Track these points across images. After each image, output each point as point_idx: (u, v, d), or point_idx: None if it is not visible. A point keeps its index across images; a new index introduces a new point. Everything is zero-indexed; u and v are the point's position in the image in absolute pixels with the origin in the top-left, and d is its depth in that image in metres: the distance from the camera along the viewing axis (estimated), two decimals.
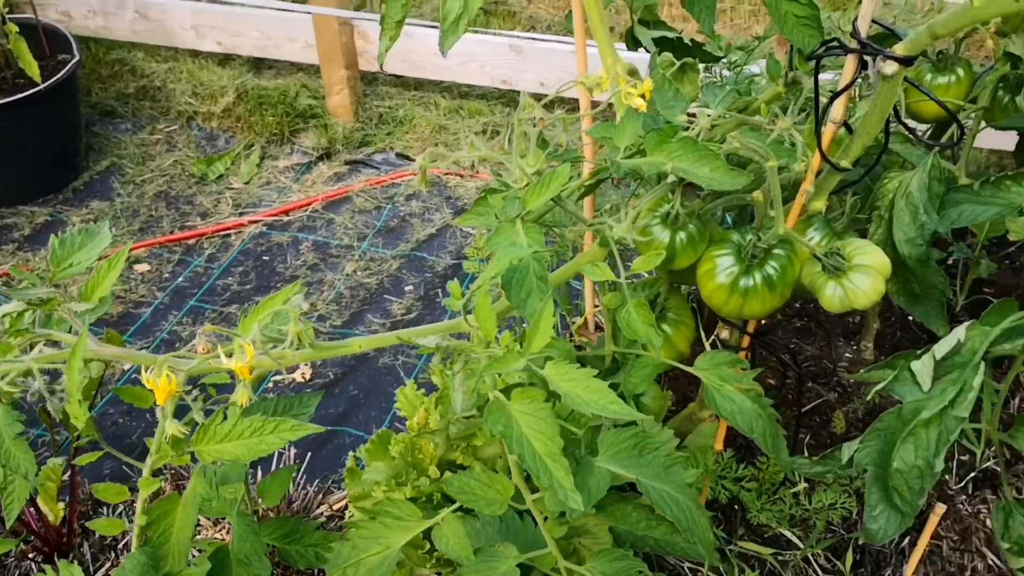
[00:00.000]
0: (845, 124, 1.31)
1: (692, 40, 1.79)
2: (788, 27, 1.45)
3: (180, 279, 2.96)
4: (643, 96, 1.41)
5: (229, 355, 1.00)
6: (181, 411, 1.16)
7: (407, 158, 3.33)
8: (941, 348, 1.06)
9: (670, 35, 1.80)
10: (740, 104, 1.54)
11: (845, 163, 1.31)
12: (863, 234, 1.49)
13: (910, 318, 2.09)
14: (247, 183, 3.28)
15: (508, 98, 3.40)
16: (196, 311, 2.86)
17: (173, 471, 1.83)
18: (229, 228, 3.13)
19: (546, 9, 3.79)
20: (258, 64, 3.60)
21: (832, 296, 1.29)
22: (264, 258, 3.03)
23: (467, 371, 1.08)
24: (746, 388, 1.35)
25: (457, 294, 1.16)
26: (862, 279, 1.27)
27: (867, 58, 1.20)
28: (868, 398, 1.28)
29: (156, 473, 1.10)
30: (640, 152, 1.35)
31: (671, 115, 1.50)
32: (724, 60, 1.89)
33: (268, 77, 3.59)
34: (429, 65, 3.35)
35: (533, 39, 3.26)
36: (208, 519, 1.86)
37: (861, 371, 1.27)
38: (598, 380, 1.06)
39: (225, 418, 1.13)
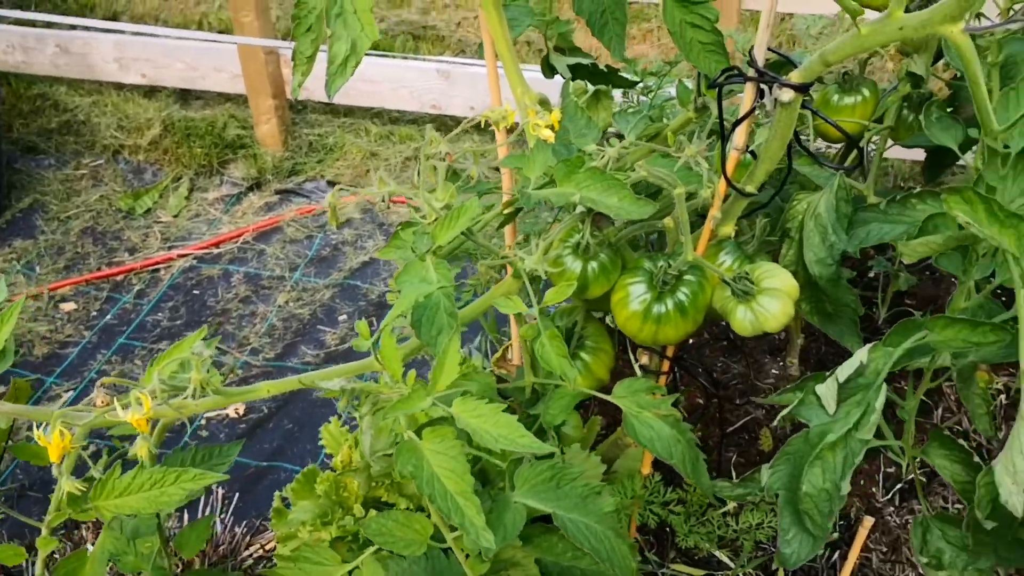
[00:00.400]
0: (751, 150, 1.32)
1: (607, 66, 1.80)
2: (694, 54, 1.46)
3: (108, 317, 2.91)
4: (552, 127, 1.42)
5: (127, 407, 0.98)
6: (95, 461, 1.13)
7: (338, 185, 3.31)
8: (844, 371, 1.07)
9: (585, 61, 1.81)
10: (652, 130, 1.55)
11: (751, 188, 1.32)
12: (776, 256, 1.50)
13: None
14: (176, 216, 3.24)
15: (439, 122, 3.40)
16: (125, 349, 2.81)
17: (87, 525, 1.78)
18: (158, 263, 3.08)
19: (475, 33, 3.80)
20: (185, 95, 3.56)
21: (743, 320, 1.30)
22: (195, 292, 2.99)
23: (377, 411, 1.07)
24: (664, 414, 1.35)
25: (365, 334, 1.14)
26: (771, 302, 1.28)
27: (765, 86, 1.21)
28: (775, 424, 1.29)
29: (56, 531, 1.07)
30: (551, 182, 1.35)
31: (584, 143, 1.50)
32: (640, 85, 1.90)
33: (195, 108, 3.55)
34: (359, 92, 3.34)
35: (461, 63, 3.27)
36: None
37: (772, 395, 1.28)
38: (507, 415, 1.05)
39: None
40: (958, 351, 1.07)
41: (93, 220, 3.20)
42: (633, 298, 1.31)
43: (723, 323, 2.15)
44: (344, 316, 2.85)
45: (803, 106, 1.23)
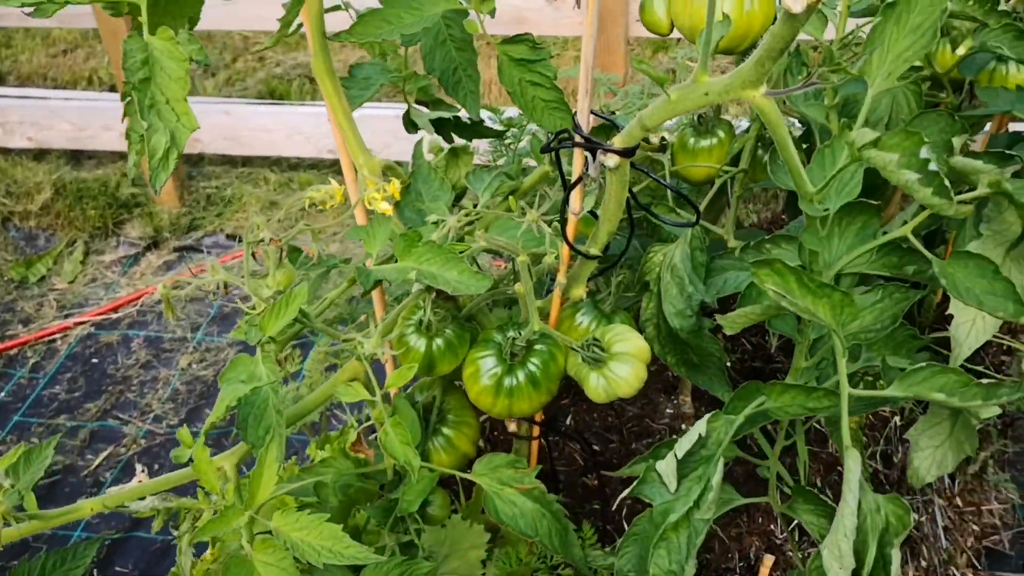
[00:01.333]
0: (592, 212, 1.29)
1: (470, 118, 1.76)
2: (537, 112, 1.42)
3: (2, 394, 2.80)
4: (395, 197, 1.37)
5: None
6: None
7: (236, 239, 3.24)
8: (683, 445, 1.04)
9: (448, 115, 1.77)
10: (506, 188, 1.51)
11: (594, 251, 1.28)
12: (637, 310, 1.47)
13: None
14: (72, 282, 3.14)
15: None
16: (22, 427, 2.71)
17: None
18: (54, 333, 2.98)
19: None
20: (77, 156, 3.47)
21: (596, 387, 1.26)
22: (93, 361, 2.90)
23: (196, 532, 1.01)
24: (528, 488, 1.31)
25: (188, 441, 1.09)
26: (622, 368, 1.24)
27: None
28: (615, 507, 1.25)
29: None
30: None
31: (436, 208, 1.46)
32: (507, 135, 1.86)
33: (88, 168, 3.45)
34: (256, 141, 3.27)
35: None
36: None
37: (621, 469, 1.24)
38: (331, 524, 1.00)
39: None
40: (796, 416, 1.04)
41: None
42: (483, 372, 1.27)
43: None
44: None
45: (633, 166, 1.19)
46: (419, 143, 1.61)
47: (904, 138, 0.93)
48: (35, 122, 3.26)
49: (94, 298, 3.09)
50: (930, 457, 1.16)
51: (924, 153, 0.92)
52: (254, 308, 1.22)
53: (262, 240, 1.22)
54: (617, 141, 1.13)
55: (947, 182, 0.91)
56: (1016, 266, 1.11)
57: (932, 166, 0.91)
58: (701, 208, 1.42)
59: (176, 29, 1.03)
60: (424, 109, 1.77)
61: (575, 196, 1.23)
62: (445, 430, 1.39)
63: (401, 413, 1.31)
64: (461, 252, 1.27)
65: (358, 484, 1.32)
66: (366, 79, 1.71)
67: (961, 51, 1.39)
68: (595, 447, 1.94)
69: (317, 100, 3.63)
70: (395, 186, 1.34)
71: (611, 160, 1.14)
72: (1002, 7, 1.20)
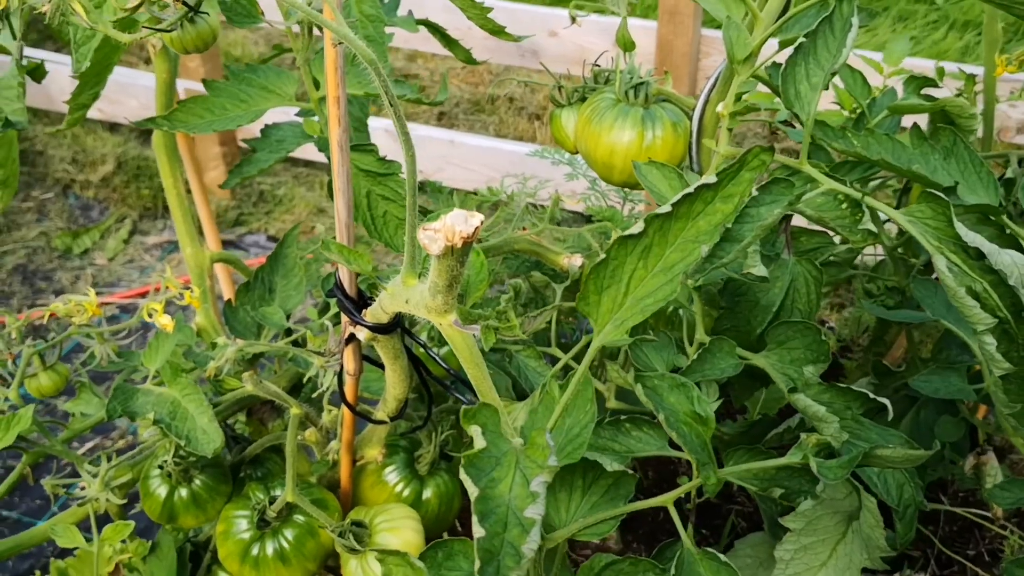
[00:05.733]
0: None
1: None
2: (389, 230, 1.23)
3: (16, 363, 2.84)
4: (194, 306, 1.21)
5: None
6: None
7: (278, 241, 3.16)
8: None
9: None
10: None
11: (381, 416, 1.08)
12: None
13: None
14: (111, 260, 3.15)
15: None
16: (26, 401, 2.73)
17: None
18: None
19: (456, 85, 3.59)
20: (147, 133, 3.47)
21: (354, 574, 1.07)
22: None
23: None
24: None
25: None
26: (379, 566, 1.04)
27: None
28: None
29: None
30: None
31: (273, 316, 1.29)
32: None
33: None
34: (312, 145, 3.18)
35: (411, 125, 3.07)
36: None
37: None
38: None
39: None
40: None
41: (27, 258, 3.14)
42: (233, 533, 1.09)
43: None
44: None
45: (410, 334, 0.98)
46: (295, 228, 1.44)
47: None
48: (106, 95, 3.27)
49: (127, 279, 3.09)
50: None
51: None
52: None
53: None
54: (369, 315, 0.93)
55: None
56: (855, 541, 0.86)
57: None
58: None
59: None
60: None
61: (348, 355, 1.03)
62: (222, 574, 1.22)
63: (161, 552, 1.16)
64: (228, 392, 1.10)
65: None
66: (279, 142, 1.55)
67: None
68: None
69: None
70: (193, 295, 1.18)
71: (361, 333, 0.94)
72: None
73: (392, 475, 1.18)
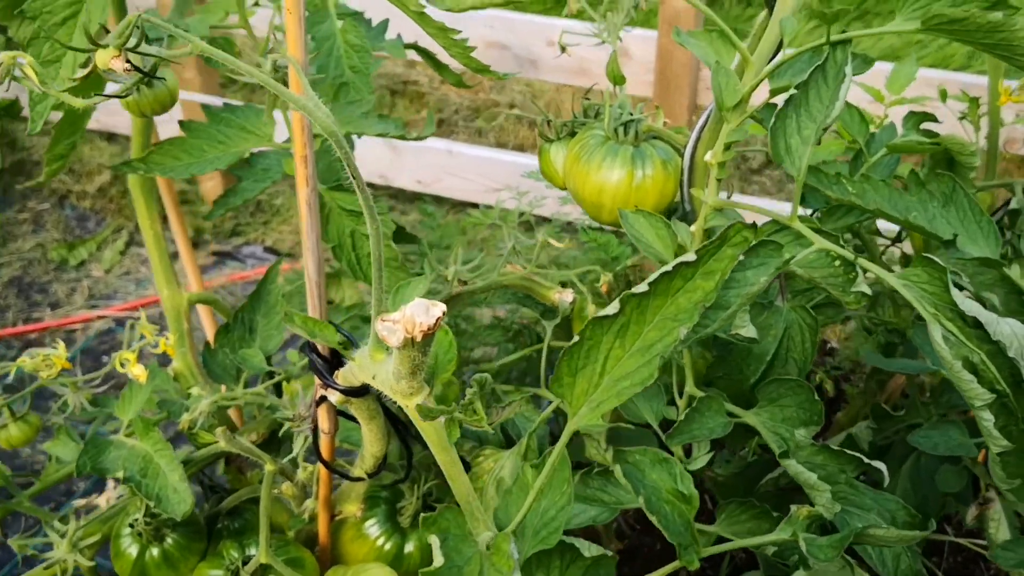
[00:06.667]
0: None
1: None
2: (363, 269, 1.20)
3: (10, 377, 2.80)
4: (168, 353, 1.18)
5: None
6: None
7: (276, 252, 3.13)
8: None
9: None
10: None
11: (358, 473, 1.05)
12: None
13: None
14: (108, 271, 3.12)
15: (389, 192, 3.17)
16: None
17: None
18: (75, 323, 2.97)
19: (457, 92, 3.54)
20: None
21: None
22: (104, 359, 2.86)
23: None
24: None
25: None
26: None
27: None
28: None
29: None
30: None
31: (252, 358, 1.26)
32: None
33: None
34: None
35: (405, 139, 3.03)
36: None
37: None
38: None
39: None
40: None
41: (23, 270, 3.11)
42: None
43: None
44: None
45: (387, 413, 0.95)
46: (277, 263, 1.40)
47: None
48: (104, 105, 3.24)
49: (123, 292, 3.06)
50: None
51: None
52: None
53: None
54: (340, 377, 0.89)
55: None
56: None
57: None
58: None
59: None
60: None
61: (322, 414, 0.99)
62: None
63: None
64: (201, 447, 1.07)
65: None
66: (265, 171, 1.50)
67: None
68: None
69: (394, 116, 3.47)
70: (167, 341, 1.14)
71: (333, 395, 0.90)
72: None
73: (373, 528, 1.14)
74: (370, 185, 3.21)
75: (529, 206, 2.09)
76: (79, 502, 1.21)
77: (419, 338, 0.59)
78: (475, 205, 2.99)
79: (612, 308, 0.68)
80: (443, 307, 0.60)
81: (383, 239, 1.17)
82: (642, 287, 0.68)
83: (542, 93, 3.56)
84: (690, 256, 0.69)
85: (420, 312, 0.59)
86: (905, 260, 1.48)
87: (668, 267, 0.69)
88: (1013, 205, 1.37)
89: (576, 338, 0.69)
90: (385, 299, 0.73)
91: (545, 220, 2.64)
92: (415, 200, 3.15)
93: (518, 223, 1.99)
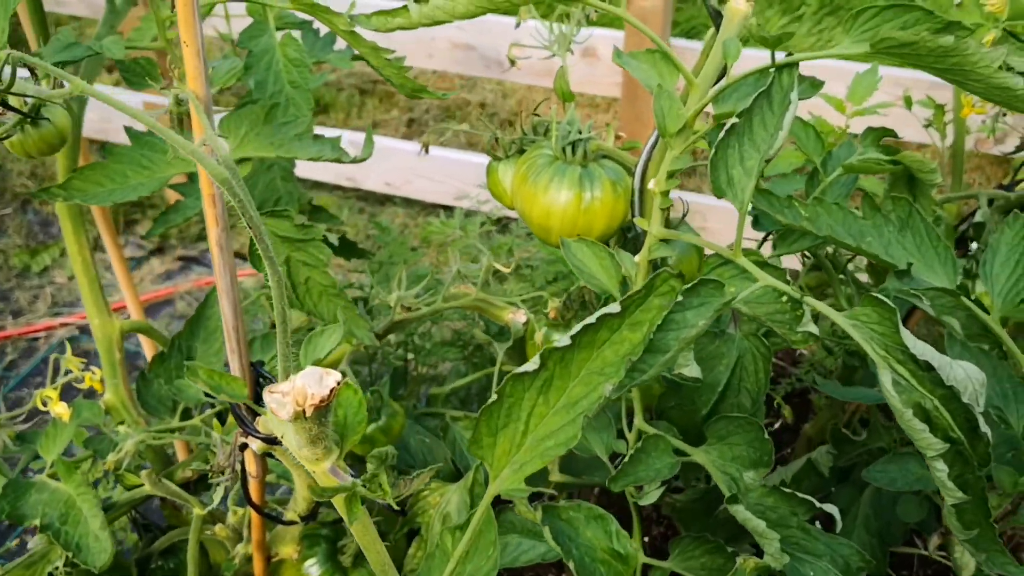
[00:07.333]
0: None
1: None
2: (312, 298, 1.15)
3: None
4: (97, 389, 1.13)
5: None
6: None
7: (243, 257, 3.07)
8: None
9: None
10: None
11: (292, 516, 1.00)
12: (400, 557, 1.17)
13: None
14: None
15: (358, 195, 3.11)
16: None
17: None
18: (38, 331, 2.91)
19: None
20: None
21: None
22: (67, 369, 2.80)
23: None
24: None
25: None
26: None
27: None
28: None
29: None
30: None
31: (187, 389, 1.20)
32: None
33: None
34: None
35: (378, 137, 2.97)
36: None
37: None
38: None
39: None
40: None
41: None
42: None
43: None
44: None
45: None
46: (213, 290, 1.34)
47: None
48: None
49: None
50: None
51: None
52: None
53: None
54: (261, 427, 0.84)
55: None
56: None
57: None
58: None
59: None
60: None
61: (250, 458, 0.94)
62: None
63: None
64: (129, 488, 1.02)
65: None
66: None
67: None
68: None
69: (363, 116, 3.41)
70: (94, 376, 1.09)
71: (254, 443, 0.85)
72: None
73: (313, 569, 1.10)
74: (338, 188, 3.16)
75: (497, 210, 2.04)
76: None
77: (310, 412, 0.54)
78: (446, 207, 2.94)
79: (532, 364, 0.64)
80: (338, 376, 0.55)
81: (320, 266, 1.12)
82: (564, 341, 0.64)
83: (513, 92, 3.50)
84: (614, 308, 0.64)
85: (313, 382, 0.55)
86: (871, 268, 1.44)
87: (591, 319, 0.64)
88: (978, 218, 1.33)
89: (494, 396, 0.64)
90: (292, 359, 0.68)
91: (516, 220, 2.60)
92: (385, 203, 3.09)
93: (491, 222, 1.95)
